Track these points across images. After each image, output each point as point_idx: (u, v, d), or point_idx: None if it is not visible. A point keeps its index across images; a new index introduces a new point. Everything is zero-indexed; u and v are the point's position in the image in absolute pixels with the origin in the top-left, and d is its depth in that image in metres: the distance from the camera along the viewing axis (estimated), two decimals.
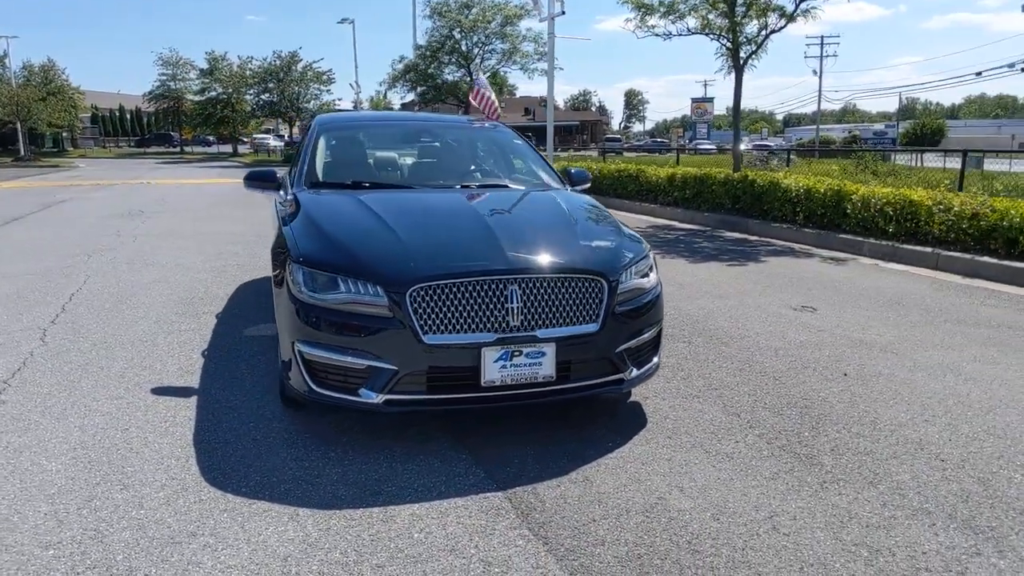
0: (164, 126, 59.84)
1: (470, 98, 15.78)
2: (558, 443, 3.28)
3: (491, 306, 3.02)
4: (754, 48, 11.04)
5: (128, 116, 70.63)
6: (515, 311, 3.04)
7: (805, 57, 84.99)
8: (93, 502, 2.75)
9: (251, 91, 41.82)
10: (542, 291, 3.09)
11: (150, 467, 3.04)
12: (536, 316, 3.07)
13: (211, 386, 4.00)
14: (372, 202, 3.74)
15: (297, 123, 43.47)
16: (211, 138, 62.23)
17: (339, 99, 42.33)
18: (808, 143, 57.53)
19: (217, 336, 4.98)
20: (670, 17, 11.15)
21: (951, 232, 8.02)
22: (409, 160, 4.77)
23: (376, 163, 4.63)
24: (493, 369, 3.01)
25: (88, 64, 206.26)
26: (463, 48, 24.38)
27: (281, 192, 4.26)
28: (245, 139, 55.56)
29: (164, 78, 48.76)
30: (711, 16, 11.13)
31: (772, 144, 50.32)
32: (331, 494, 2.82)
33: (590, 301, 3.18)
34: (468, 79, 25.01)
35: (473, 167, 4.69)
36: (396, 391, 3.03)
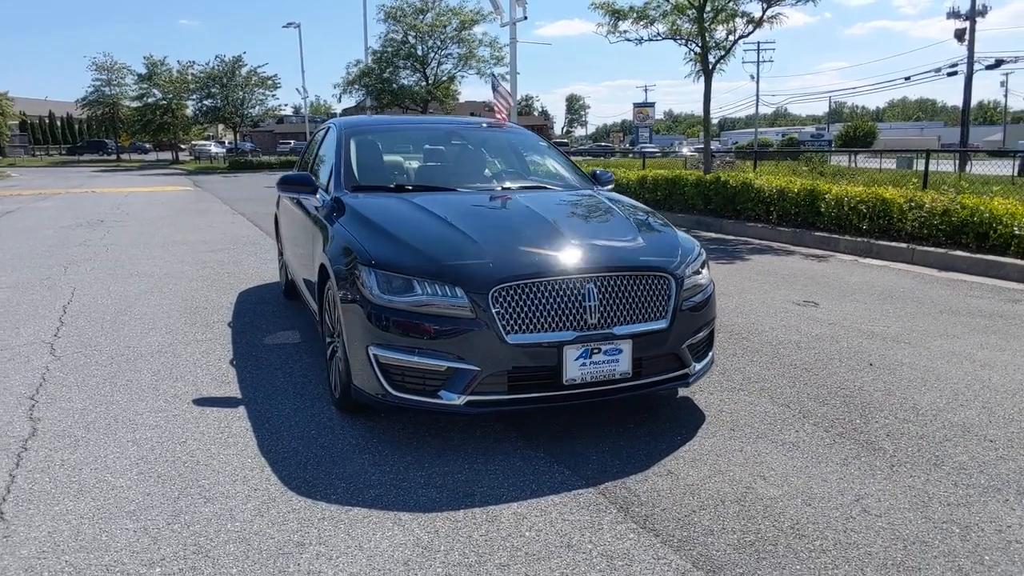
0: (98, 133, 57.66)
1: (493, 99, 15.61)
2: (628, 439, 3.33)
3: (569, 305, 3.05)
4: (723, 53, 11.34)
5: (59, 123, 67.83)
6: (593, 309, 3.08)
7: (743, 63, 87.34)
8: (181, 517, 2.66)
9: (193, 97, 40.66)
10: (616, 289, 3.14)
11: (226, 479, 2.96)
12: (611, 314, 3.12)
13: (254, 396, 3.91)
14: (427, 204, 3.72)
15: (241, 128, 42.50)
16: (147, 145, 60.21)
17: (285, 104, 41.45)
18: (747, 146, 59.29)
19: (238, 346, 4.86)
20: (641, 22, 11.36)
21: (924, 228, 8.40)
22: (444, 162, 4.75)
23: (413, 166, 4.61)
24: (574, 367, 3.04)
25: (15, 71, 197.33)
26: (419, 52, 24.27)
27: (317, 196, 4.19)
28: (183, 146, 53.98)
29: (98, 83, 47.05)
30: (680, 22, 11.38)
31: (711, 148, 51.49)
32: (424, 497, 2.80)
33: (660, 298, 3.24)
34: (424, 83, 24.93)
35: (508, 168, 4.71)
36: (477, 392, 3.02)
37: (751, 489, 2.87)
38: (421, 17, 23.87)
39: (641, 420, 3.54)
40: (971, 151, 32.39)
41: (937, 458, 3.15)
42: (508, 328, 2.99)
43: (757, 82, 71.44)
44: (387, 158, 4.65)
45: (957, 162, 25.95)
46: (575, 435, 3.35)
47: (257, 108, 41.33)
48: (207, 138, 56.82)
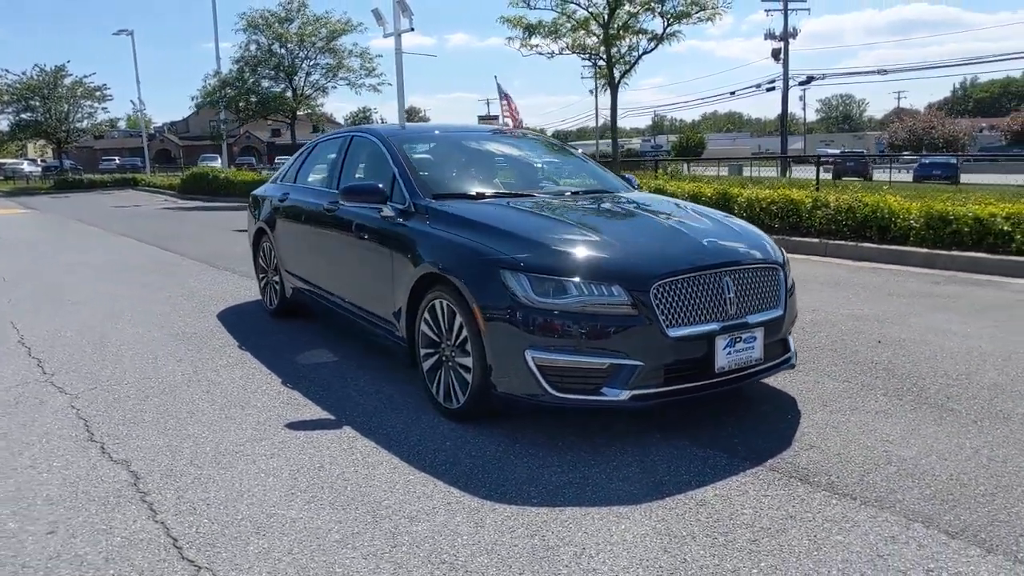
0: None
1: (502, 107, 15.05)
2: (748, 423, 3.56)
3: (713, 298, 3.25)
4: (627, 67, 12.02)
5: None
6: (731, 301, 3.29)
7: (582, 78, 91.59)
8: (399, 539, 2.55)
9: (8, 110, 36.31)
10: (746, 281, 3.37)
11: (409, 497, 2.85)
12: (744, 304, 3.34)
13: (348, 415, 3.74)
14: (531, 208, 3.76)
15: (67, 145, 38.53)
16: None
17: (118, 119, 38.17)
18: (592, 156, 62.33)
19: (275, 368, 4.58)
20: (552, 37, 11.79)
21: (831, 224, 9.40)
22: (503, 168, 4.75)
23: (478, 172, 4.57)
24: (722, 356, 3.23)
25: None
26: (286, 62, 23.34)
27: (388, 205, 4.07)
28: None
29: None
30: (587, 39, 11.94)
31: None
32: (622, 491, 2.86)
33: (775, 287, 3.52)
34: (291, 94, 24.00)
35: (560, 173, 4.80)
36: (639, 386, 3.13)
37: (890, 452, 3.19)
38: (287, 25, 22.99)
39: (744, 406, 3.78)
40: (793, 158, 36.20)
41: (1002, 413, 3.65)
42: (668, 322, 3.12)
43: (596, 97, 75.01)
44: (449, 166, 4.58)
45: (779, 167, 28.88)
46: (701, 423, 3.53)
47: (86, 121, 37.68)
48: (17, 156, 50.94)
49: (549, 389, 3.13)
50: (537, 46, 11.88)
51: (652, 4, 11.12)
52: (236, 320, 5.93)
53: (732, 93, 59.37)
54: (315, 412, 3.80)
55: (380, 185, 4.13)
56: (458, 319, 3.44)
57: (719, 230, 3.73)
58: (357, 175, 4.84)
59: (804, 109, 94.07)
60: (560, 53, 11.95)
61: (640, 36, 11.57)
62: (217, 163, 42.12)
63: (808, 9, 41.16)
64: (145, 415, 3.79)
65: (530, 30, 11.71)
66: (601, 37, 11.73)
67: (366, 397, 4.02)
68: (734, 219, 4.12)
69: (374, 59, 24.31)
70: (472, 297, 3.30)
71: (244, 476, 3.05)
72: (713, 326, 3.22)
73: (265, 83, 24.26)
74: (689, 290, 3.20)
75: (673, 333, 3.12)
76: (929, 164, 31.57)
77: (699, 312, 3.21)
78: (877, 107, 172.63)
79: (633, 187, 4.91)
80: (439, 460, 3.18)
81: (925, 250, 8.20)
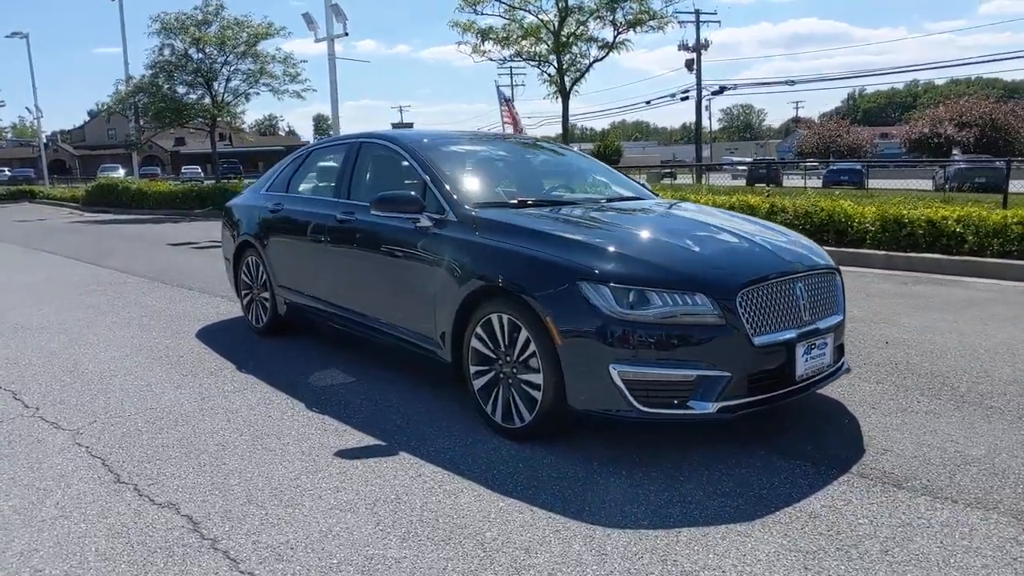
0: None
1: (505, 114, 14.37)
2: (811, 429, 3.55)
3: (789, 304, 3.21)
4: (579, 75, 12.07)
5: None
6: (805, 307, 3.26)
7: (498, 87, 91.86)
8: (521, 572, 2.37)
9: None
10: (813, 287, 3.36)
11: (510, 527, 2.66)
12: (814, 310, 3.33)
13: (395, 438, 3.50)
14: (589, 217, 3.64)
15: None
16: None
17: (7, 129, 35.46)
18: None
19: (291, 391, 4.25)
20: (503, 43, 11.70)
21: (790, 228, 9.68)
22: (534, 175, 4.58)
23: (510, 179, 4.38)
24: (802, 363, 3.20)
25: None
26: (204, 67, 22.26)
27: (424, 215, 3.84)
28: None
29: None
30: (538, 47, 11.92)
31: None
32: (730, 507, 2.77)
33: (836, 293, 3.53)
34: (210, 100, 22.91)
35: (590, 180, 4.67)
36: (726, 398, 3.05)
37: (962, 452, 3.23)
38: (205, 28, 21.94)
39: (797, 413, 3.76)
40: (707, 166, 37.41)
41: None
42: (753, 331, 3.06)
43: (512, 102, 75.50)
44: (479, 174, 4.37)
45: (694, 174, 29.93)
46: (765, 432, 3.48)
47: None
48: None
49: (636, 404, 3.01)
50: (489, 52, 11.79)
51: (602, 13, 11.24)
52: (220, 340, 5.51)
53: (648, 103, 60.78)
54: (360, 438, 3.54)
55: (415, 194, 3.91)
56: (522, 334, 3.27)
57: (776, 236, 3.71)
58: (370, 184, 4.57)
59: (710, 119, 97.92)
60: (511, 60, 11.91)
61: (591, 44, 11.65)
62: (119, 173, 39.86)
63: (719, 21, 42.74)
64: (169, 450, 3.43)
65: (483, 35, 11.59)
66: (552, 45, 11.72)
67: (405, 418, 3.78)
68: (776, 225, 4.12)
69: (298, 65, 23.56)
70: (545, 311, 3.14)
71: (317, 514, 2.78)
72: (792, 333, 3.18)
73: (181, 89, 23.10)
74: (769, 297, 3.15)
75: (758, 342, 3.06)
76: (837, 170, 33.29)
77: (778, 319, 3.17)
78: (775, 116, 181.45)
79: (653, 194, 4.86)
80: (521, 483, 3.00)
81: (884, 252, 8.56)
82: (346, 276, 4.48)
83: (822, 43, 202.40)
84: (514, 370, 3.37)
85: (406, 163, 4.28)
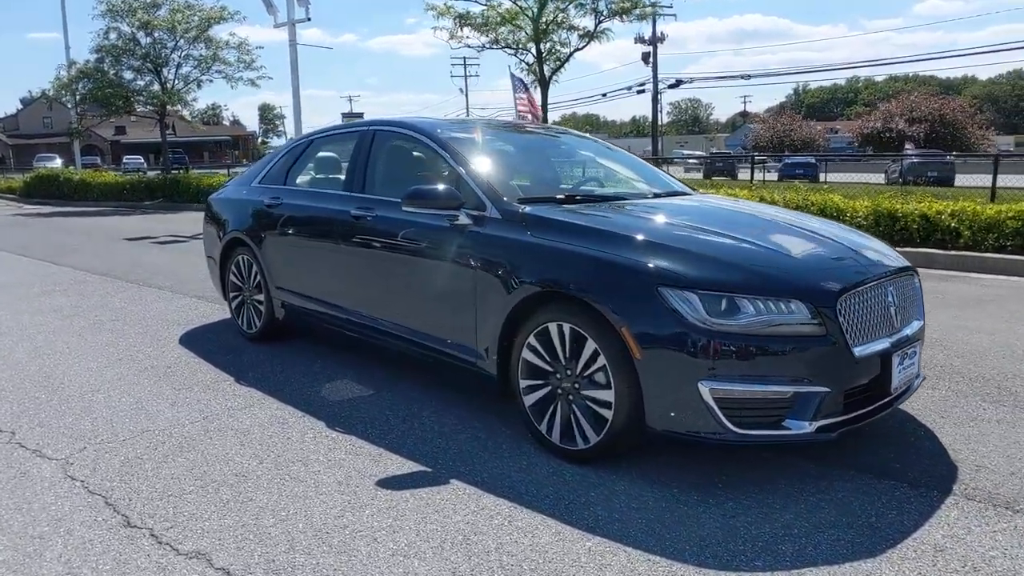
0: None
1: (521, 101, 13.46)
2: (886, 440, 3.29)
3: (881, 310, 2.94)
4: (559, 64, 11.74)
5: None
6: (895, 312, 3.00)
7: (452, 76, 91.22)
8: None
9: None
10: (900, 291, 3.10)
11: (611, 572, 2.32)
12: (903, 317, 3.07)
13: (439, 463, 3.12)
14: (652, 213, 3.30)
15: None
16: None
17: None
18: None
19: (305, 407, 3.82)
20: (483, 30, 11.28)
21: None
22: (570, 167, 4.21)
23: (548, 172, 4.01)
24: (897, 373, 2.94)
25: None
26: (152, 53, 21.12)
27: (462, 212, 3.45)
28: None
29: None
30: (516, 34, 11.53)
31: None
32: (844, 541, 2.48)
33: (917, 296, 3.28)
34: (159, 87, 21.78)
35: (628, 174, 4.32)
36: (823, 415, 2.76)
37: None
38: (155, 11, 20.81)
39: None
40: (664, 159, 37.64)
41: None
42: (853, 341, 2.78)
43: (466, 95, 75.15)
44: (514, 166, 3.98)
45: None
46: (845, 448, 3.21)
47: None
48: None
49: (729, 425, 2.69)
50: (468, 38, 11.36)
51: (584, 1, 10.91)
52: (209, 347, 5.02)
53: (604, 95, 60.74)
54: (399, 463, 3.15)
55: (452, 188, 3.51)
56: (589, 346, 2.93)
57: (852, 235, 3.45)
58: (388, 176, 4.15)
59: (660, 112, 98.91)
60: (490, 47, 11.50)
61: (571, 32, 11.32)
62: (56, 163, 37.86)
63: (675, 15, 42.87)
64: (181, 483, 2.98)
65: (462, 20, 11.15)
66: (531, 32, 11.35)
67: (444, 438, 3.40)
68: (833, 222, 3.87)
69: (252, 51, 22.59)
70: (621, 320, 2.80)
71: (379, 561, 2.40)
72: (886, 342, 2.91)
73: (128, 75, 21.90)
74: (865, 304, 2.87)
75: (859, 352, 2.78)
76: (792, 164, 33.80)
77: (873, 327, 2.89)
78: (722, 111, 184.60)
79: (688, 188, 4.55)
80: (601, 517, 2.66)
81: None
82: (362, 279, 4.05)
83: (766, 39, 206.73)
84: (576, 385, 3.03)
85: (432, 154, 3.88)
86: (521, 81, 13.09)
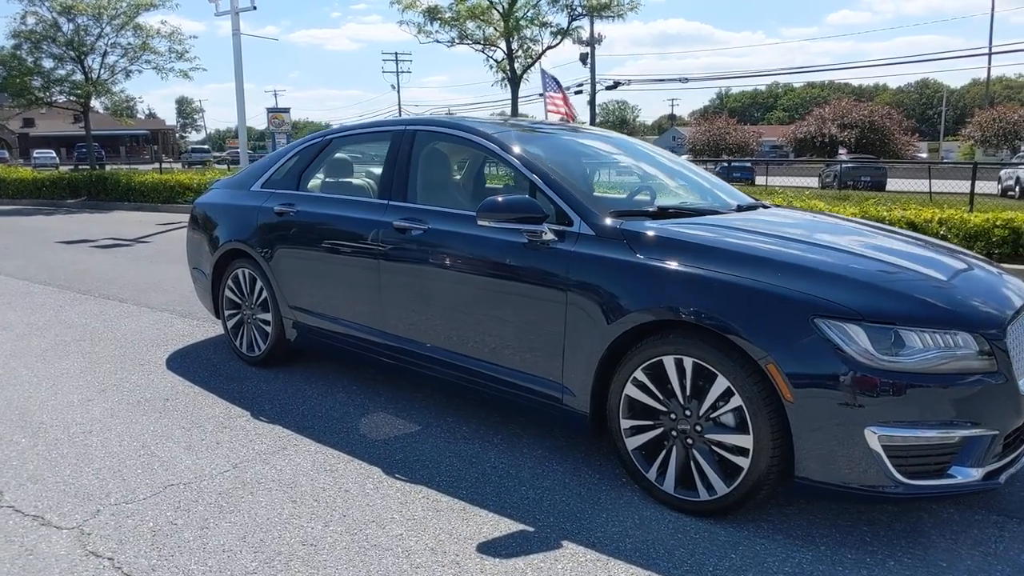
0: None
1: (553, 99, 12.39)
2: None
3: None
4: (531, 61, 11.37)
5: None
6: None
7: (383, 72, 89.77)
8: None
9: None
10: None
11: None
12: None
13: (538, 518, 2.69)
14: (774, 230, 2.96)
15: None
16: None
17: None
18: None
19: (349, 449, 3.32)
20: (452, 25, 10.79)
21: None
22: (646, 176, 3.80)
23: (628, 182, 3.60)
24: None
25: None
26: (76, 40, 19.59)
27: (545, 226, 3.03)
28: None
29: None
30: (487, 29, 11.10)
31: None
32: None
33: None
34: (83, 77, 20.26)
35: (696, 180, 3.94)
36: (987, 460, 2.48)
37: None
38: None
39: None
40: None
41: None
42: (1020, 375, 2.50)
43: (399, 91, 74.06)
44: (588, 173, 3.57)
45: None
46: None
47: None
48: None
49: (899, 476, 2.37)
50: (436, 32, 10.83)
51: None
52: (204, 373, 4.41)
53: (542, 95, 60.68)
54: (493, 521, 2.70)
55: (534, 199, 3.08)
56: (719, 384, 2.56)
57: (967, 255, 3.19)
58: (436, 183, 3.68)
59: (594, 113, 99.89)
60: (460, 42, 10.99)
61: (544, 28, 10.96)
62: None
63: (612, 16, 43.00)
64: (240, 558, 2.45)
65: (431, 14, 10.62)
66: (502, 29, 10.93)
67: (528, 486, 2.97)
68: (926, 236, 3.63)
69: (185, 41, 21.31)
70: (766, 356, 2.44)
71: None
72: None
73: (48, 63, 20.30)
74: (1020, 333, 2.61)
75: (1023, 388, 2.51)
76: (730, 167, 34.49)
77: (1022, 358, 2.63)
78: (648, 113, 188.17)
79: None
80: (721, 563, 2.30)
81: None
82: (407, 299, 3.57)
83: (688, 43, 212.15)
84: (698, 428, 2.66)
85: (494, 159, 3.44)
86: (554, 79, 12.45)
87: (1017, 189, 22.22)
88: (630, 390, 2.81)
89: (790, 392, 2.42)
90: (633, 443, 2.84)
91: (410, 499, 2.86)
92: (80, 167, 26.84)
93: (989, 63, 46.52)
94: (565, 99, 12.62)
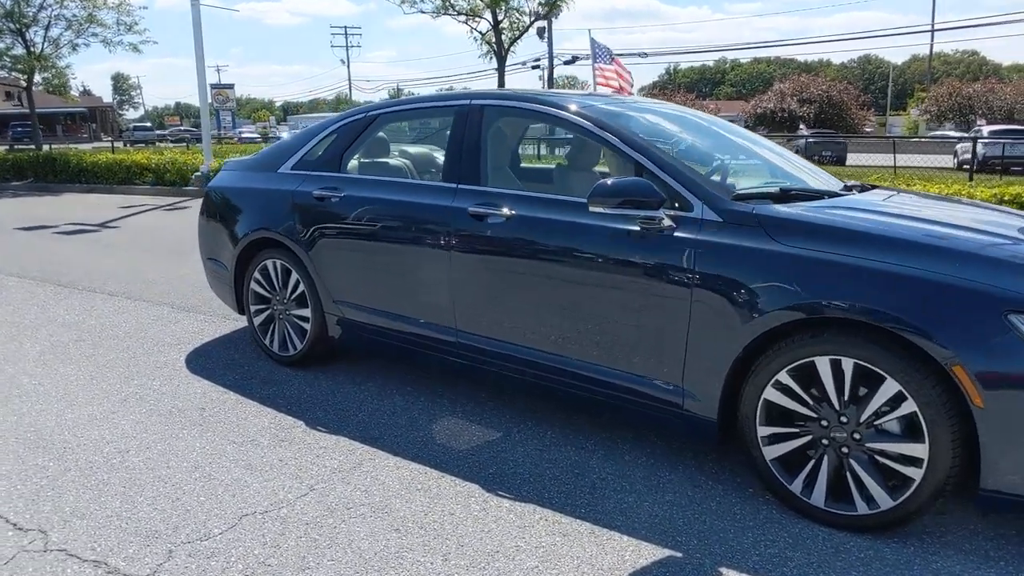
0: None
1: (607, 72, 11.39)
2: None
3: None
4: (518, 34, 10.95)
5: None
6: None
7: (332, 47, 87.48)
8: None
9: None
10: None
11: None
12: None
13: (683, 542, 2.41)
14: (915, 214, 2.70)
15: None
16: None
17: None
18: None
19: (441, 466, 2.98)
20: None
21: None
22: (739, 154, 3.47)
23: (734, 163, 3.27)
24: None
25: None
26: (16, 11, 18.25)
27: (662, 212, 2.71)
28: None
29: None
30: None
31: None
32: None
33: None
34: (25, 51, 18.95)
35: (781, 160, 3.62)
36: None
37: None
38: None
39: None
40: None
41: None
42: None
43: (348, 66, 72.38)
44: (691, 153, 3.23)
45: None
46: None
47: None
48: None
49: None
50: (421, 2, 10.30)
51: None
52: (235, 376, 3.98)
53: (497, 69, 59.75)
54: (632, 546, 2.40)
55: (649, 182, 2.75)
56: (887, 387, 2.30)
57: None
58: (517, 164, 3.31)
59: (544, 88, 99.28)
60: (445, 12, 10.49)
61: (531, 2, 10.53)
62: None
63: None
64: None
65: None
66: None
67: (650, 502, 2.68)
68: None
69: (134, 12, 20.10)
70: (952, 356, 2.18)
71: None
72: None
73: None
74: None
75: None
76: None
77: None
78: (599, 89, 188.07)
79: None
80: None
81: None
82: (487, 295, 3.21)
83: (635, 19, 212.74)
84: (856, 436, 2.40)
85: (591, 138, 3.09)
86: (606, 49, 11.65)
87: (975, 163, 22.76)
88: (770, 394, 2.54)
89: (980, 397, 2.17)
90: (772, 452, 2.58)
91: (527, 522, 2.54)
92: (16, 147, 25.33)
93: (932, 40, 47.51)
94: (620, 70, 11.94)
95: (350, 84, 71.86)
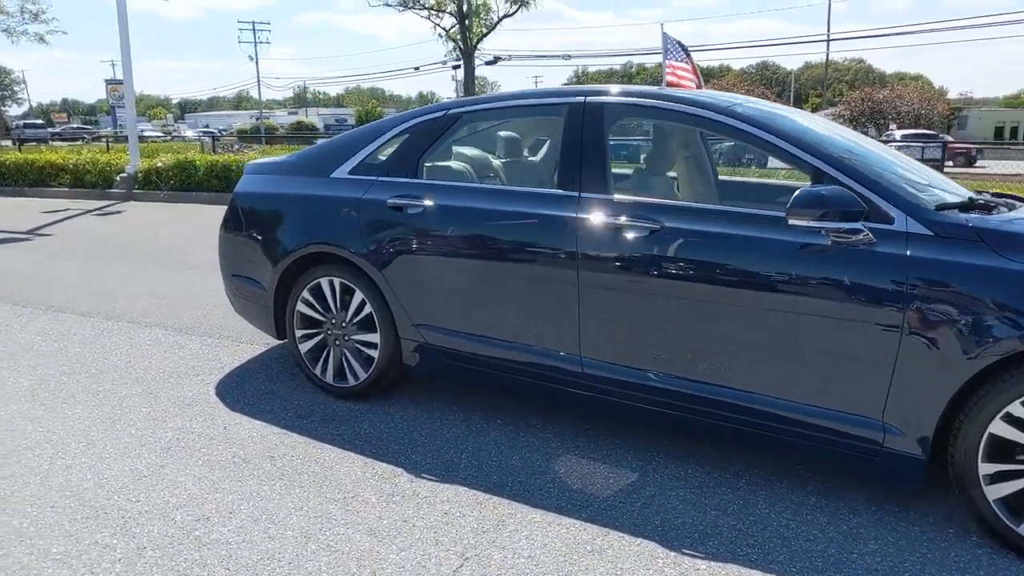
0: None
1: (681, 70, 10.01)
2: None
3: None
4: (485, 31, 10.52)
5: None
6: None
7: (239, 42, 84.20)
8: None
9: None
10: None
11: None
12: None
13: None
14: None
15: None
16: None
17: None
18: (249, 130, 55.26)
19: (584, 515, 2.57)
20: None
21: None
22: (873, 160, 3.16)
23: (880, 167, 2.94)
24: None
25: None
26: None
27: (862, 224, 2.40)
28: None
29: None
30: None
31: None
32: None
33: None
34: None
35: (908, 166, 3.34)
36: None
37: None
38: None
39: None
40: None
41: None
42: None
43: (257, 63, 69.64)
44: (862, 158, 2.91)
45: None
46: None
47: None
48: None
49: None
50: None
51: None
52: (287, 415, 3.42)
53: (416, 68, 58.85)
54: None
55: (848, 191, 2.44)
56: None
57: None
58: (652, 170, 2.93)
59: (456, 90, 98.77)
60: (410, 7, 9.88)
61: None
62: None
63: None
64: None
65: None
66: None
67: (870, 556, 2.37)
68: None
69: (41, 0, 18.44)
70: None
71: None
72: None
73: None
74: None
75: None
76: (616, 145, 35.02)
77: None
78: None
79: None
80: None
81: None
82: (629, 320, 2.81)
83: (542, 20, 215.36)
84: None
85: (739, 139, 2.77)
86: (679, 44, 10.88)
87: None
88: (998, 427, 2.27)
89: None
90: (997, 492, 2.32)
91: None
92: None
93: (828, 49, 50.04)
94: (695, 69, 11.35)
95: (259, 81, 69.09)
